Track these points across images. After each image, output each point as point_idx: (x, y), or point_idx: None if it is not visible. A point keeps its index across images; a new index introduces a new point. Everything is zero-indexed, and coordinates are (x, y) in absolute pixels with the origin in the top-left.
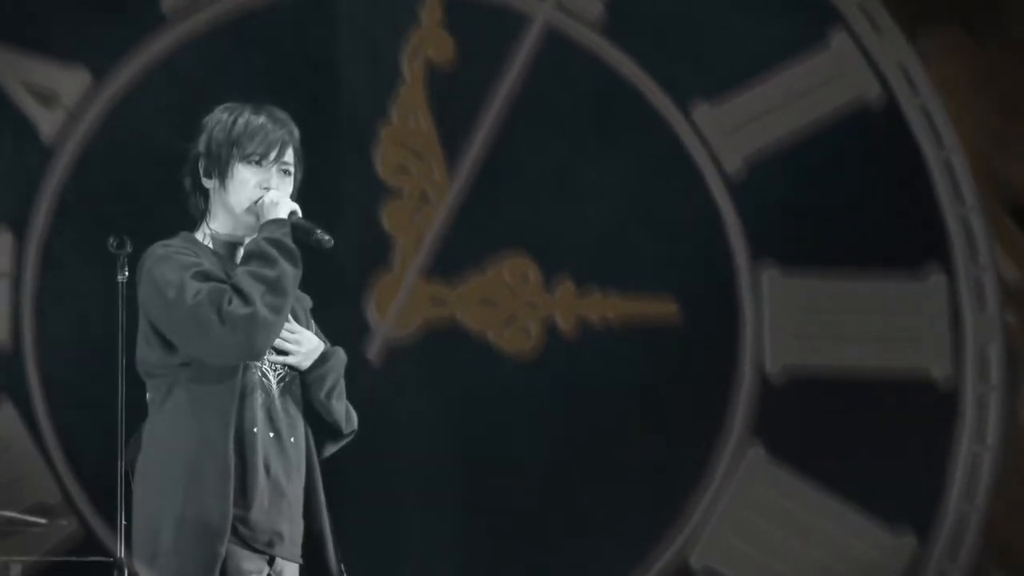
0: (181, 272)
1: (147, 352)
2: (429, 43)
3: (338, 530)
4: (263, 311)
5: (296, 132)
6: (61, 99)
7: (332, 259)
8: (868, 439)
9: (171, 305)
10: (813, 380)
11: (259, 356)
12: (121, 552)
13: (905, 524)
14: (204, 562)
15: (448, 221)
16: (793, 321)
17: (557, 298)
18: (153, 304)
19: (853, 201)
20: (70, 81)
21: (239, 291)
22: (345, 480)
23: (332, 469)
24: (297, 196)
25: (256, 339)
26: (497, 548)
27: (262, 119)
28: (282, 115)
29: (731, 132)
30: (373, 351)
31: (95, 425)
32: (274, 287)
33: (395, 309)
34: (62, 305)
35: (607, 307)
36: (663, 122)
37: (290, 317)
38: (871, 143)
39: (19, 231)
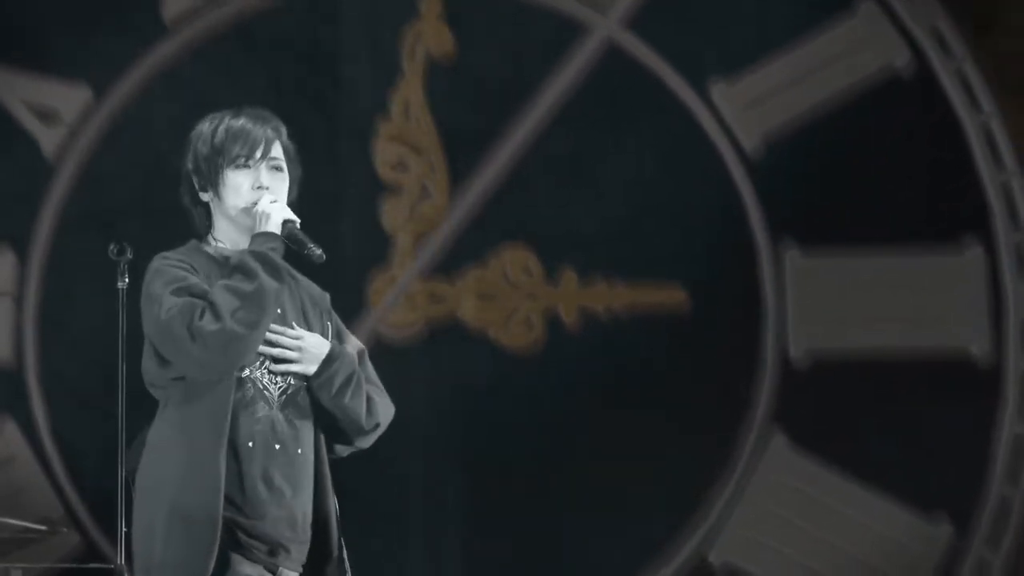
0: (165, 287)
1: (148, 364)
2: (429, 36)
3: (340, 529)
4: (233, 326)
5: (283, 128)
6: (62, 116)
7: (330, 257)
8: (900, 423)
9: (153, 321)
10: (839, 364)
11: (232, 371)
12: (121, 559)
13: (940, 511)
14: (193, 573)
15: (447, 216)
16: (817, 303)
17: (560, 290)
18: (144, 318)
19: (881, 174)
20: (71, 98)
21: (212, 305)
22: (346, 480)
23: (333, 468)
24: (297, 195)
25: (228, 354)
26: (503, 547)
27: (242, 121)
28: (264, 113)
29: (749, 109)
30: (372, 350)
31: (97, 438)
32: (249, 302)
33: (393, 306)
34: (64, 321)
35: (613, 297)
36: (676, 102)
37: (294, 324)
38: (901, 112)
39: (21, 249)
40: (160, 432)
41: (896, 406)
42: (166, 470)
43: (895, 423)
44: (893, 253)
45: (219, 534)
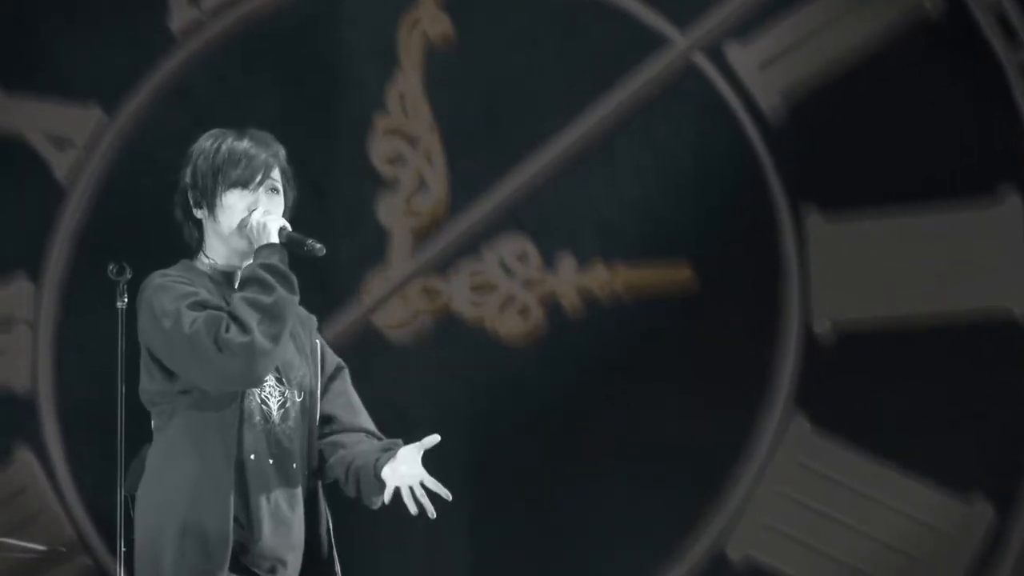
0: (178, 302)
1: (148, 382)
2: (427, 24)
3: (342, 526)
4: (260, 339)
5: (282, 152)
6: (74, 140)
7: (327, 255)
8: (934, 397)
9: (168, 335)
10: (868, 335)
11: (258, 383)
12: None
13: (979, 491)
14: None
15: (447, 210)
16: (841, 272)
17: (558, 275)
18: (152, 334)
19: (908, 126)
20: (83, 119)
21: (236, 319)
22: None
23: None
24: (294, 196)
25: (256, 367)
26: (509, 544)
27: (244, 143)
28: (266, 136)
29: (764, 67)
30: (370, 348)
31: (110, 465)
32: (270, 314)
33: (387, 304)
34: (80, 347)
35: (615, 279)
36: (688, 65)
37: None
38: (930, 58)
39: (36, 275)
40: (165, 447)
41: (929, 377)
42: (176, 484)
43: (928, 396)
44: (923, 211)
45: (231, 548)
